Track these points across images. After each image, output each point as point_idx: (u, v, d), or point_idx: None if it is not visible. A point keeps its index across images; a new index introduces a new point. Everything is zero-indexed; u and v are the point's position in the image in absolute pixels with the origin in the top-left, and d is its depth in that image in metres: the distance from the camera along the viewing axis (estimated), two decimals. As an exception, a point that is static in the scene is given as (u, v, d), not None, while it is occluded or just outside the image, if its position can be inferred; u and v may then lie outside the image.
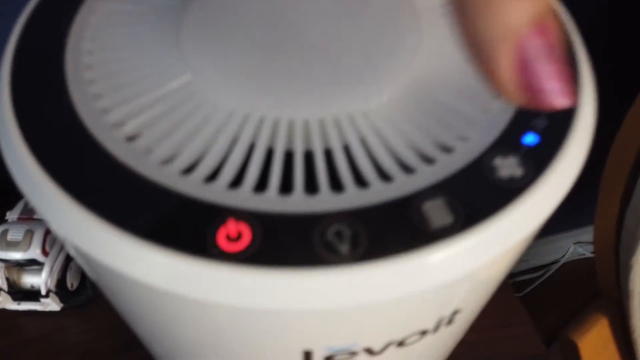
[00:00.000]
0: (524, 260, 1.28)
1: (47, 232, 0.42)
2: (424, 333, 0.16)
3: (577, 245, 1.22)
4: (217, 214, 0.13)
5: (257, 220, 0.13)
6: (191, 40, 0.16)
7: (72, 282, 0.45)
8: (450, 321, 0.16)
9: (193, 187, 0.14)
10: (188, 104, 0.15)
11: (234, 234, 0.13)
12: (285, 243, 0.13)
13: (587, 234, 1.20)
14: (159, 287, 0.12)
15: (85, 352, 0.44)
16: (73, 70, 0.16)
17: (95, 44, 0.16)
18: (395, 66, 0.16)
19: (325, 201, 0.13)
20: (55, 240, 0.42)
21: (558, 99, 0.11)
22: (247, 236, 0.13)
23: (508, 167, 0.14)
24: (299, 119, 0.15)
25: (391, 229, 0.13)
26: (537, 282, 1.35)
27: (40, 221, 0.43)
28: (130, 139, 0.15)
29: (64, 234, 0.13)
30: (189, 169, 0.14)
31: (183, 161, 0.14)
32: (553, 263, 1.34)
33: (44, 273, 0.42)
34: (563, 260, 1.33)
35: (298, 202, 0.13)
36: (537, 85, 0.11)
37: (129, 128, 0.15)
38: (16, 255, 0.41)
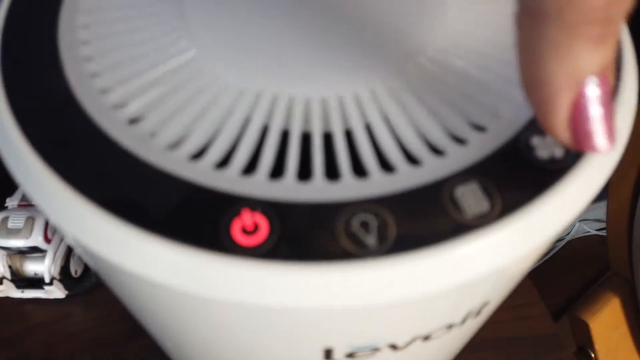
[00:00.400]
0: (529, 238, 1.28)
1: (48, 219, 0.41)
2: (450, 327, 0.15)
3: (583, 222, 1.21)
4: (231, 203, 0.12)
5: (274, 210, 0.12)
6: (196, 11, 0.15)
7: (76, 269, 0.44)
8: (478, 313, 0.15)
9: (203, 174, 0.12)
10: (195, 82, 0.14)
11: (250, 226, 0.11)
12: (306, 235, 0.11)
13: (592, 211, 1.19)
14: (168, 285, 0.11)
15: (91, 339, 0.43)
16: (68, 46, 0.14)
17: (91, 17, 0.15)
18: (420, 36, 0.15)
19: (349, 188, 0.12)
20: (56, 226, 0.41)
21: (603, 145, 0.11)
22: (264, 228, 0.11)
23: (547, 146, 0.13)
24: (316, 97, 0.14)
25: (422, 218, 0.12)
26: (543, 260, 1.34)
27: (40, 207, 0.41)
28: (133, 121, 0.13)
29: (62, 226, 0.12)
30: (197, 155, 0.13)
31: (191, 146, 0.13)
32: (558, 241, 1.33)
33: (47, 260, 0.41)
34: (568, 238, 1.33)
35: (319, 190, 0.12)
36: (587, 130, 0.11)
37: (131, 109, 0.13)
38: (18, 243, 0.40)
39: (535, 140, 0.13)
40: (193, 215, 0.12)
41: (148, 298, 0.13)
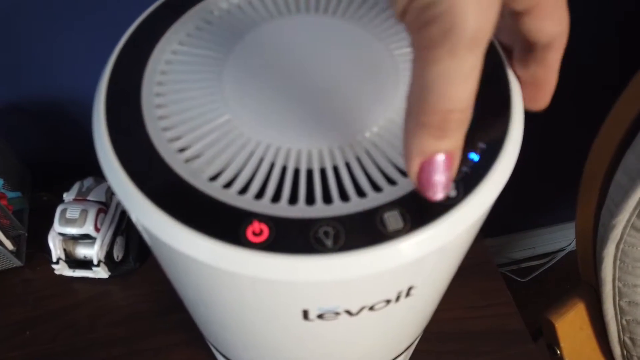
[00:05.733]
0: (529, 248, 1.34)
1: (99, 212, 0.50)
2: (388, 302, 0.23)
3: (583, 234, 1.25)
4: (247, 216, 0.20)
5: (273, 222, 0.20)
6: (230, 88, 0.23)
7: (118, 254, 0.53)
8: (408, 294, 0.23)
9: (231, 197, 0.20)
10: (228, 136, 0.22)
11: (257, 231, 0.19)
12: (290, 238, 0.19)
13: (592, 224, 1.23)
14: (206, 263, 0.19)
15: (128, 313, 0.52)
16: (148, 108, 0.23)
17: (164, 87, 0.23)
18: (376, 111, 0.22)
19: (319, 210, 0.20)
20: (105, 218, 0.50)
21: (436, 198, 0.19)
22: (266, 232, 0.19)
23: (446, 189, 0.20)
24: (304, 149, 0.21)
25: (361, 231, 0.19)
26: (543, 268, 1.40)
27: (93, 202, 0.50)
28: (188, 160, 0.21)
29: (144, 226, 0.20)
30: (228, 184, 0.21)
31: (224, 179, 0.21)
32: (559, 251, 1.38)
33: (96, 246, 0.50)
34: (569, 249, 1.38)
35: (301, 210, 0.20)
36: (427, 185, 0.18)
37: (187, 153, 0.21)
38: (72, 231, 0.49)
39: (440, 185, 0.20)
40: (225, 222, 0.20)
41: (192, 271, 0.21)
